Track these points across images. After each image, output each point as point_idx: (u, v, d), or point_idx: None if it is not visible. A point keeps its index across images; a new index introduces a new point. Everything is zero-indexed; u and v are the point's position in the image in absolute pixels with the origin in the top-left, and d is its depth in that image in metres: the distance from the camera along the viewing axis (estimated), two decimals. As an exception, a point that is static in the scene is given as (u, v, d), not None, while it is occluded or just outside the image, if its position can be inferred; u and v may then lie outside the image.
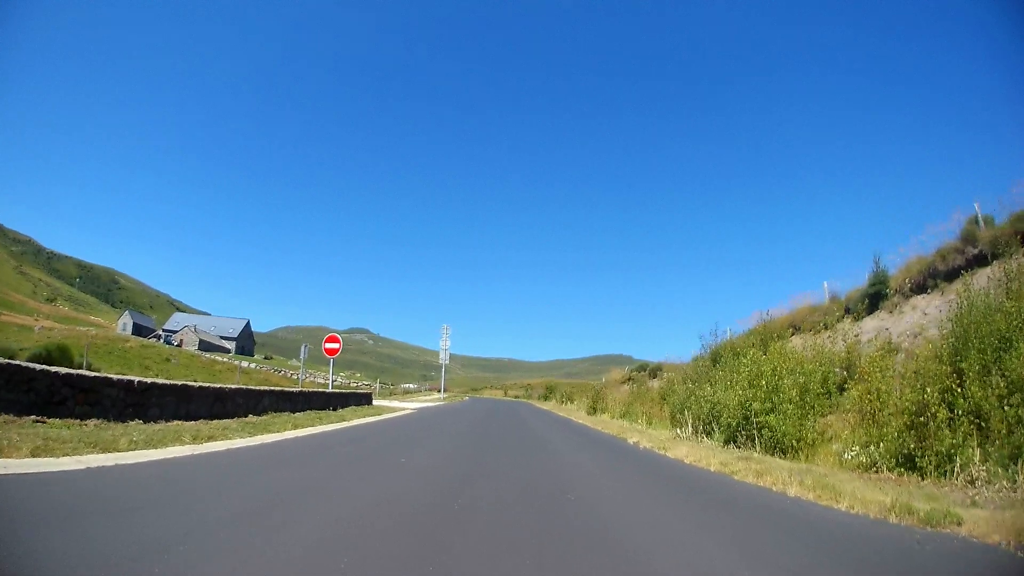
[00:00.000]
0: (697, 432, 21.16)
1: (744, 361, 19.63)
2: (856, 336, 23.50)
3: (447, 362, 68.27)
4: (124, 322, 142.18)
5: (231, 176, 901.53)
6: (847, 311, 27.69)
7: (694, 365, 30.02)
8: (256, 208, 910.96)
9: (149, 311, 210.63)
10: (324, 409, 24.49)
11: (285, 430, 16.08)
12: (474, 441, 17.66)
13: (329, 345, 32.06)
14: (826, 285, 31.44)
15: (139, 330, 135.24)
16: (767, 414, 17.15)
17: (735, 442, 18.12)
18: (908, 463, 12.30)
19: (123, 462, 8.51)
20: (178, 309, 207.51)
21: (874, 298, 25.87)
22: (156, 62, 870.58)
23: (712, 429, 20.48)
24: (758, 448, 16.95)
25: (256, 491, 7.49)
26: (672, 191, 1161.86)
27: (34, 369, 10.95)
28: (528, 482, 9.77)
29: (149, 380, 14.11)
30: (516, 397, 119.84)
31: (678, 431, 22.16)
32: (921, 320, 22.40)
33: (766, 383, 17.67)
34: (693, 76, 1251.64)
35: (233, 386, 19.19)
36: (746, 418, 17.86)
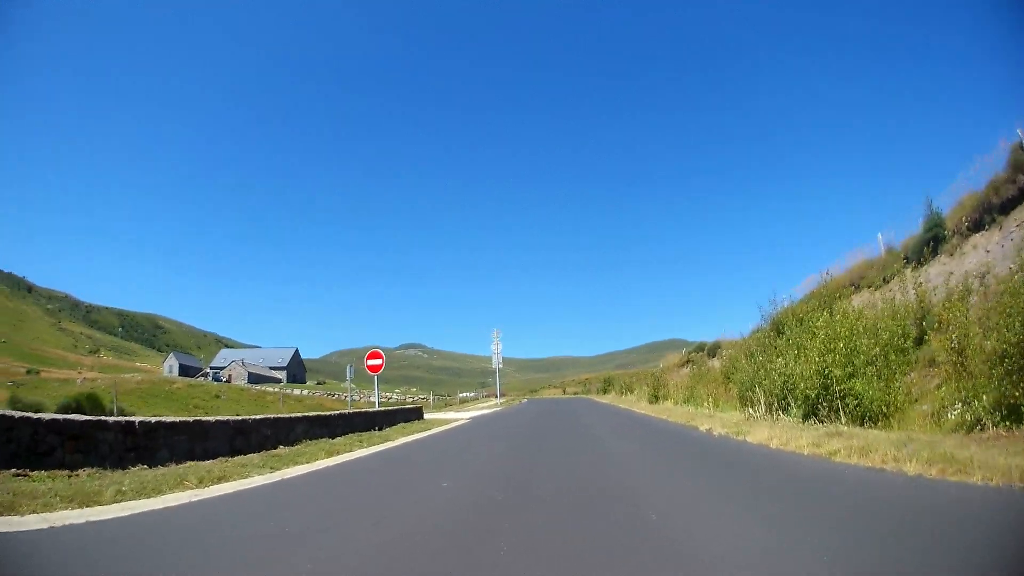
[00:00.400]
0: (771, 409, 19.49)
1: (818, 324, 17.89)
2: (921, 285, 21.58)
3: (500, 366, 66.56)
4: (169, 364, 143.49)
5: (268, 207, 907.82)
6: (907, 260, 25.48)
7: (756, 338, 28.25)
8: (296, 236, 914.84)
9: (196, 351, 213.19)
10: (368, 430, 23.10)
11: (316, 459, 14.66)
12: (530, 448, 16.10)
13: (371, 362, 30.67)
14: (880, 237, 29.26)
15: (185, 371, 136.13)
16: (849, 379, 15.52)
17: (816, 416, 16.39)
18: (1014, 414, 10.70)
19: (97, 518, 7.13)
20: (226, 346, 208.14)
21: (933, 243, 23.90)
22: (172, 90, 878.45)
23: (788, 404, 18.78)
24: (843, 420, 15.30)
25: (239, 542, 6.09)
26: (705, 168, 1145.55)
27: (12, 416, 9.67)
28: (592, 495, 8.27)
29: (154, 419, 12.76)
30: (575, 394, 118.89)
31: (750, 410, 20.49)
32: (984, 258, 20.64)
33: (844, 345, 16.00)
34: (716, 50, 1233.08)
35: (257, 416, 17.75)
36: (826, 387, 16.14)
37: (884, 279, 26.13)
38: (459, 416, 38.23)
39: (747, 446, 13.88)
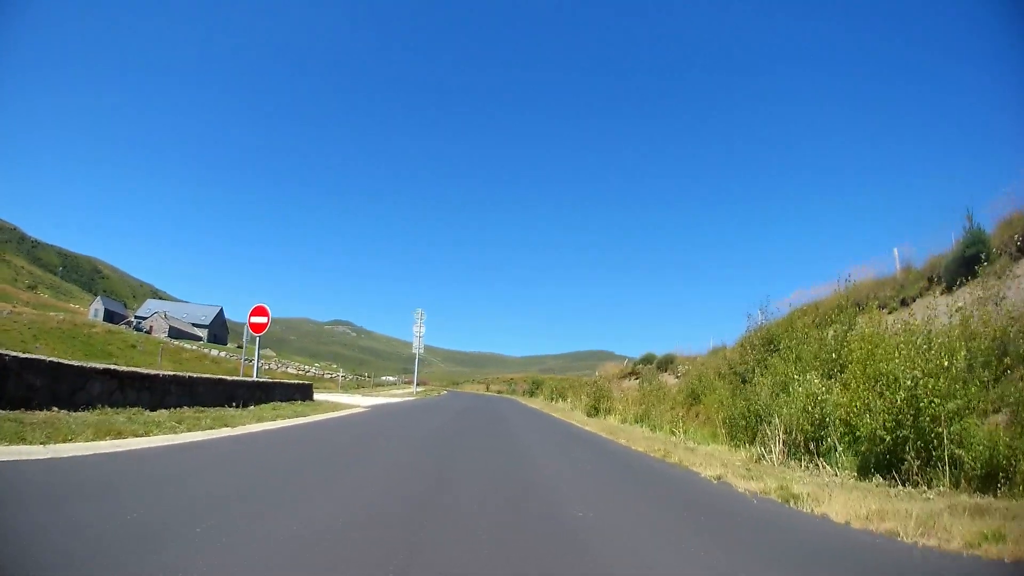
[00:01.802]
0: (794, 452, 13.03)
1: (895, 336, 11.60)
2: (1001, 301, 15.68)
3: (421, 351, 57.42)
4: (95, 308, 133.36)
5: (218, 171, 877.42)
6: (931, 281, 20.10)
7: (743, 352, 21.85)
8: (240, 201, 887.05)
9: (131, 300, 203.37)
10: (225, 405, 16.31)
11: (75, 440, 8.72)
12: (432, 471, 9.53)
13: (255, 319, 23.25)
14: (897, 252, 23.57)
15: (110, 316, 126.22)
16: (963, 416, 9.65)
17: (894, 471, 10.03)
18: None
19: None
20: (158, 298, 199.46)
21: (968, 263, 18.12)
22: (138, 55, 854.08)
23: (830, 447, 12.33)
24: (946, 481, 9.21)
25: None
26: (652, 179, 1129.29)
27: None
28: None
29: None
30: (499, 392, 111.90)
31: (758, 449, 13.79)
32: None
33: (948, 363, 9.89)
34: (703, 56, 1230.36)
35: (22, 355, 10.75)
36: (915, 423, 9.80)
37: (903, 300, 20.86)
38: (359, 402, 30.11)
39: (852, 537, 6.79)
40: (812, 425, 12.62)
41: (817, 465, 11.95)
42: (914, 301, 20.58)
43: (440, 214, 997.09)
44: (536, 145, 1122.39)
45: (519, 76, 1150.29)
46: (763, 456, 13.25)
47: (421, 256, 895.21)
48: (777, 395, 14.56)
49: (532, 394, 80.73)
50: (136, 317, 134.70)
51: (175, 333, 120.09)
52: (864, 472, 10.80)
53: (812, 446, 12.55)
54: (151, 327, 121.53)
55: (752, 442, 15.10)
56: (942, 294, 18.63)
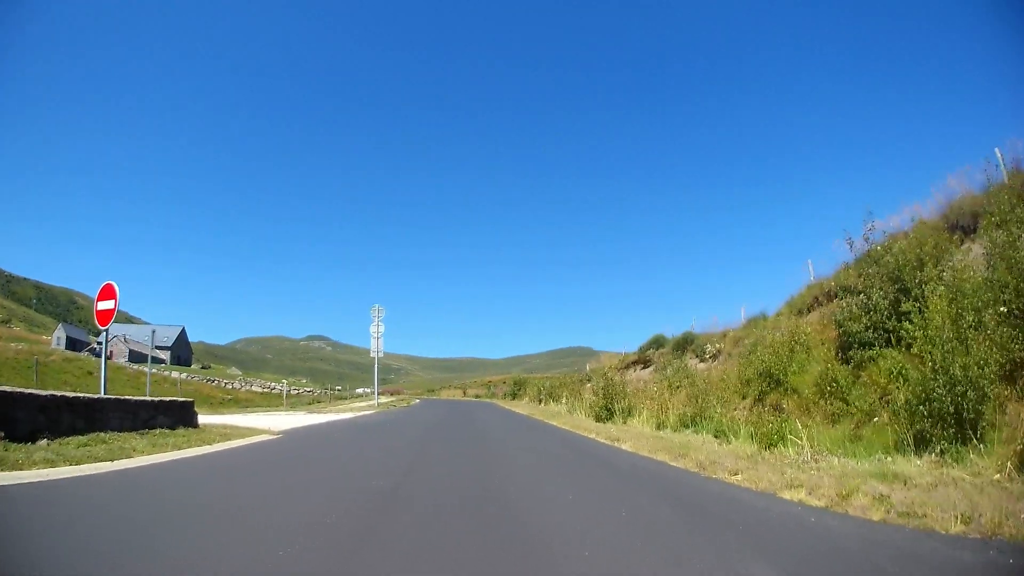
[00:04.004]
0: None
1: None
2: None
3: (382, 354, 45.77)
4: (58, 336, 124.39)
5: (187, 193, 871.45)
6: None
7: (847, 305, 14.06)
8: (210, 222, 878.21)
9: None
10: None
11: None
12: None
13: (102, 305, 15.20)
14: (1000, 153, 16.58)
15: (73, 344, 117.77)
16: None
17: None
18: None
19: None
20: (131, 323, 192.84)
21: None
22: (108, 74, 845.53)
23: None
24: None
25: None
26: (626, 164, 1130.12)
27: None
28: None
29: None
30: (477, 396, 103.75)
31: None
32: None
33: None
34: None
35: None
36: None
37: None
38: (276, 426, 20.22)
39: None
40: None
41: None
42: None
43: (408, 218, 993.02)
44: (497, 141, 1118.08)
45: (492, 72, 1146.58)
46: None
47: (393, 264, 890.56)
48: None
49: (514, 396, 71.59)
50: (98, 343, 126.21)
51: (135, 357, 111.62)
52: None
53: None
54: (112, 352, 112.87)
55: (951, 443, 8.13)
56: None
